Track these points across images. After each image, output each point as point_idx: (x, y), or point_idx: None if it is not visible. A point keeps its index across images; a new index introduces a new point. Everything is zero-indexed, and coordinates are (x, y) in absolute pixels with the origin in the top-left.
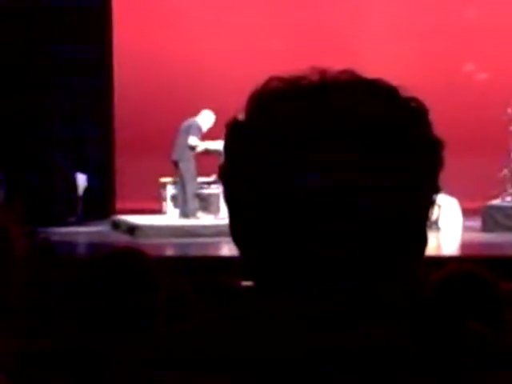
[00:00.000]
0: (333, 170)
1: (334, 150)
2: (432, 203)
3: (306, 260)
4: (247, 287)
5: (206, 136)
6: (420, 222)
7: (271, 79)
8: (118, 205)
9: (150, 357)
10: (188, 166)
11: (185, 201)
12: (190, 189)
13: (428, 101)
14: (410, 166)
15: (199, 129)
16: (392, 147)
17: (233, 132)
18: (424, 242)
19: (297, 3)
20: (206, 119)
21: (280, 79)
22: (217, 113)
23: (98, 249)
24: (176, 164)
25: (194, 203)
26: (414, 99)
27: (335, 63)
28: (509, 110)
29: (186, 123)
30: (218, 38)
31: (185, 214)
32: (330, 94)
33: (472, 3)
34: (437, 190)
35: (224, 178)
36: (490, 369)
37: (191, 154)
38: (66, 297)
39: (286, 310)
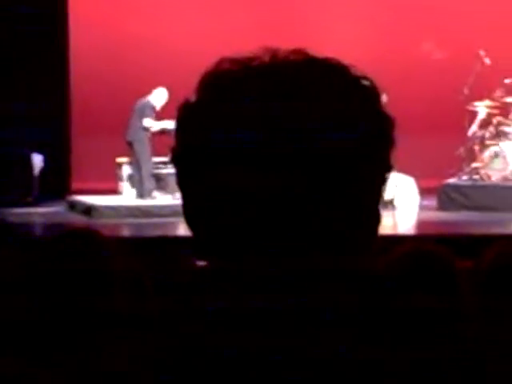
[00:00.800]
0: (281, 147)
1: (284, 130)
2: (384, 181)
3: (258, 239)
4: (202, 267)
5: (162, 113)
6: (373, 200)
7: (222, 60)
8: (75, 185)
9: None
10: (143, 146)
11: (141, 181)
12: (146, 169)
13: (386, 80)
14: (361, 144)
15: (153, 108)
16: (344, 125)
17: (184, 114)
18: (377, 219)
19: None
20: (159, 97)
21: (231, 60)
22: (172, 90)
23: (54, 229)
24: (130, 145)
25: (150, 183)
26: (365, 78)
27: (291, 42)
28: (465, 90)
29: (139, 103)
30: (173, 16)
31: (141, 194)
32: (281, 74)
33: None
34: (389, 168)
35: (175, 160)
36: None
37: (146, 134)
38: (21, 278)
39: (240, 285)
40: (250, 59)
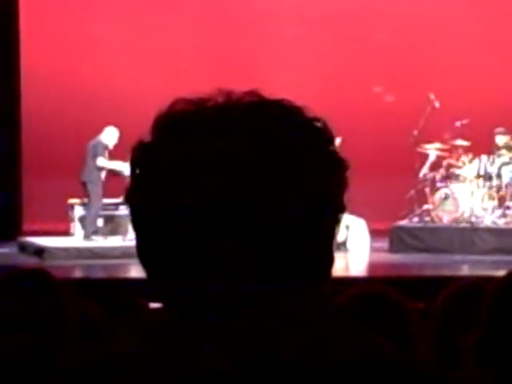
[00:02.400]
0: (234, 191)
1: (237, 172)
2: (338, 221)
3: (214, 280)
4: (156, 309)
5: (114, 153)
6: (326, 241)
7: (177, 101)
8: (26, 226)
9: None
10: (95, 187)
11: (86, 222)
12: (93, 210)
13: (336, 122)
14: (314, 186)
15: (105, 147)
16: (296, 167)
17: (138, 154)
18: (331, 260)
19: (205, 26)
20: (110, 136)
21: (186, 101)
22: (122, 131)
23: (4, 271)
24: (84, 185)
25: (93, 225)
26: (319, 119)
27: (243, 84)
28: (416, 132)
29: (91, 143)
30: (126, 59)
31: (85, 235)
32: (235, 116)
33: (381, 28)
34: (342, 210)
35: (130, 200)
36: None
37: (99, 174)
38: None
39: (194, 329)
40: (205, 100)
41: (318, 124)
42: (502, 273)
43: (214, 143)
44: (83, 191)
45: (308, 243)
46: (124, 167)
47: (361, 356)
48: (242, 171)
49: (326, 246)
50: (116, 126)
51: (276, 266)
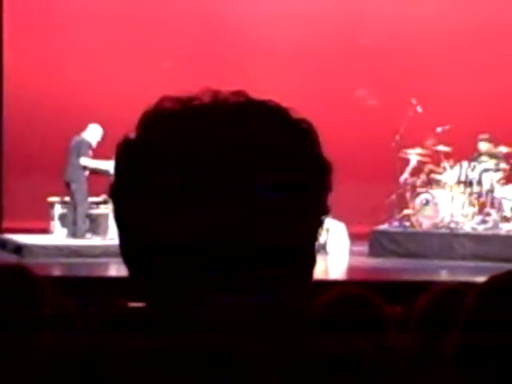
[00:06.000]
0: (221, 191)
1: (223, 171)
2: (320, 223)
3: (196, 279)
4: (136, 308)
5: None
6: (308, 242)
7: (164, 98)
8: (5, 224)
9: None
10: (80, 186)
11: (75, 221)
12: (81, 209)
13: (319, 125)
14: (298, 187)
15: (89, 146)
16: (281, 168)
17: (124, 151)
18: (313, 261)
19: (188, 27)
20: (93, 134)
21: (173, 99)
22: (106, 130)
23: None
24: (68, 184)
25: (84, 224)
26: (304, 121)
27: (227, 85)
28: (397, 137)
29: (74, 141)
30: (108, 57)
31: (74, 234)
32: (221, 115)
33: (365, 32)
34: (324, 212)
35: (114, 196)
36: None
37: (83, 173)
38: None
39: (174, 330)
40: (191, 99)
41: (304, 126)
42: (480, 279)
43: (199, 142)
44: (67, 191)
45: (292, 244)
46: (109, 166)
47: (336, 359)
48: (227, 170)
49: (309, 247)
50: (98, 123)
51: (258, 264)
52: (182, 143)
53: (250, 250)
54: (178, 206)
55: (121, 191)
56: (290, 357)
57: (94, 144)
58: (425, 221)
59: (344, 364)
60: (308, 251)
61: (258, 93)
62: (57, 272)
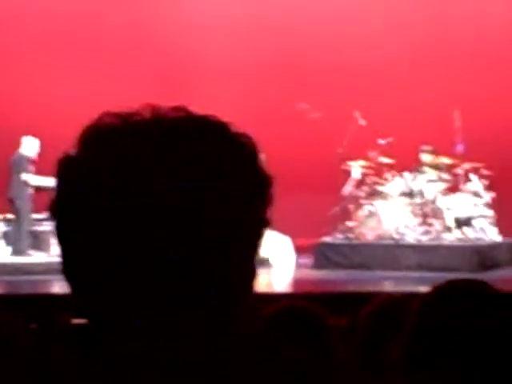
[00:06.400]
0: (159, 204)
1: (164, 187)
2: (260, 236)
3: (138, 296)
4: (79, 325)
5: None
6: (249, 255)
7: (104, 114)
8: None
9: None
10: (23, 203)
11: (18, 238)
12: (25, 226)
13: (261, 139)
14: (238, 201)
15: (28, 160)
16: (221, 182)
17: (64, 168)
18: (253, 274)
19: (128, 41)
20: (29, 147)
21: (113, 115)
22: (46, 145)
23: None
24: (12, 201)
25: (27, 241)
26: (244, 135)
27: (166, 100)
28: (340, 150)
29: (13, 158)
30: (42, 71)
31: (18, 251)
32: (161, 131)
33: (308, 45)
34: (265, 224)
35: (55, 213)
36: None
37: (26, 190)
38: None
39: (121, 349)
40: (132, 114)
41: (244, 140)
42: (424, 289)
43: (139, 158)
44: (11, 208)
45: (231, 256)
46: (51, 182)
47: (281, 372)
48: (167, 186)
49: (248, 259)
50: (38, 138)
51: (198, 276)
52: (123, 159)
53: (190, 265)
54: (118, 224)
55: (61, 208)
56: (236, 369)
57: (33, 156)
58: (369, 232)
59: (289, 377)
60: (248, 264)
61: (199, 108)
62: (0, 289)
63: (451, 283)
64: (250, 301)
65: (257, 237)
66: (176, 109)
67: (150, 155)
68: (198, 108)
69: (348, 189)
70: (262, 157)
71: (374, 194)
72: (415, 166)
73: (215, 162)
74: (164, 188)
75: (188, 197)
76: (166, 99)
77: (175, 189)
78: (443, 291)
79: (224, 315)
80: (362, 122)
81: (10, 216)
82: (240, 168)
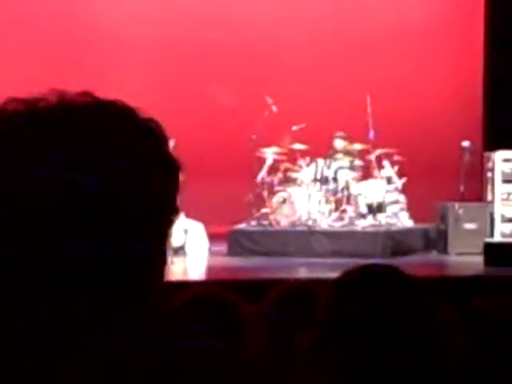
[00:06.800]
0: (66, 191)
1: (70, 171)
2: (170, 223)
3: (37, 296)
4: None
5: None
6: (159, 241)
7: (9, 100)
8: None
9: None
10: None
11: None
12: None
13: (174, 125)
14: (145, 186)
15: None
16: (128, 168)
17: None
18: (164, 260)
19: (41, 25)
20: None
21: (18, 101)
22: None
23: None
24: None
25: None
26: (152, 120)
27: (74, 83)
28: (253, 136)
29: None
30: None
31: None
32: (68, 117)
33: (218, 29)
34: (174, 211)
35: None
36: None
37: None
38: None
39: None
40: (37, 100)
41: (151, 125)
42: (337, 275)
43: (45, 144)
44: None
45: (141, 243)
46: None
47: (191, 356)
48: (72, 170)
49: (159, 245)
50: None
51: (111, 262)
52: (27, 145)
53: (96, 258)
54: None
55: None
56: (148, 356)
57: None
58: (283, 219)
59: (200, 363)
60: (158, 252)
61: (109, 94)
62: None
63: (362, 268)
64: (161, 287)
65: (167, 223)
66: (83, 94)
67: (55, 141)
68: (108, 94)
69: (262, 175)
70: (173, 143)
71: (287, 181)
72: (328, 153)
73: (122, 147)
74: (69, 176)
75: (92, 184)
76: (77, 84)
77: (81, 173)
78: (353, 276)
79: (134, 299)
80: (275, 109)
81: None
82: (147, 153)
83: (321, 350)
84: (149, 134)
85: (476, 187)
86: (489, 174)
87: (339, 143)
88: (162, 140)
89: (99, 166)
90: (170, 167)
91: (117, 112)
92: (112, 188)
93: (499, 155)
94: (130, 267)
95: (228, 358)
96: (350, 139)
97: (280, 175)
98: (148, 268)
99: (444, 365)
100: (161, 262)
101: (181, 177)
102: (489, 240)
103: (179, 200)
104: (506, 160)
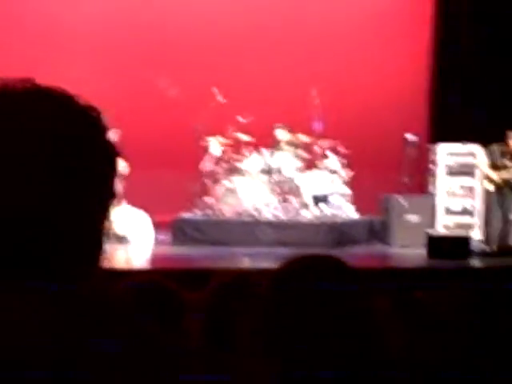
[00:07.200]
0: (8, 176)
1: (12, 158)
2: (107, 208)
3: None
4: None
5: None
6: (95, 227)
7: None
8: None
9: None
10: None
11: None
12: None
13: (119, 115)
14: (83, 172)
15: None
16: (67, 154)
17: None
18: (99, 246)
19: None
20: None
21: None
22: None
23: None
24: None
25: None
26: (91, 108)
27: (21, 72)
28: (199, 126)
29: None
30: None
31: None
32: (8, 103)
33: (167, 19)
34: (111, 196)
35: None
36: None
37: None
38: None
39: None
40: None
41: (90, 112)
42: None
43: None
44: None
45: (76, 226)
46: None
47: (132, 344)
48: (16, 157)
49: (95, 231)
50: None
51: (40, 246)
52: None
53: (32, 238)
54: None
55: None
56: (87, 342)
57: None
58: (227, 209)
59: (140, 350)
60: (95, 236)
61: (53, 81)
62: None
63: (302, 258)
64: (98, 273)
65: (104, 208)
66: (23, 81)
67: None
68: (52, 82)
69: (206, 165)
70: (118, 132)
71: (232, 171)
72: (273, 143)
73: (61, 133)
74: (13, 160)
75: (35, 168)
76: (19, 71)
77: (23, 161)
78: (293, 266)
79: (68, 283)
80: (221, 99)
81: None
82: (86, 140)
83: (261, 338)
84: (87, 120)
85: (420, 180)
86: (432, 167)
87: (282, 134)
88: (101, 126)
89: (40, 151)
90: (107, 152)
91: (56, 99)
92: (48, 174)
93: (442, 148)
94: (63, 246)
95: (166, 345)
96: (294, 130)
97: (225, 165)
98: (82, 249)
99: (381, 352)
100: (97, 247)
101: (121, 164)
102: (431, 232)
103: (123, 188)
104: (451, 154)
